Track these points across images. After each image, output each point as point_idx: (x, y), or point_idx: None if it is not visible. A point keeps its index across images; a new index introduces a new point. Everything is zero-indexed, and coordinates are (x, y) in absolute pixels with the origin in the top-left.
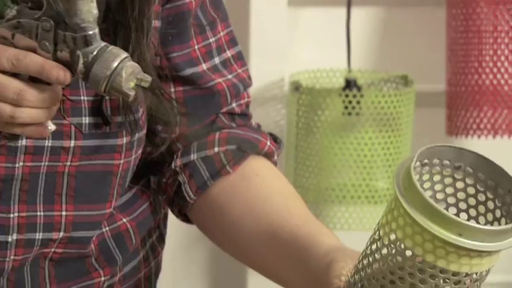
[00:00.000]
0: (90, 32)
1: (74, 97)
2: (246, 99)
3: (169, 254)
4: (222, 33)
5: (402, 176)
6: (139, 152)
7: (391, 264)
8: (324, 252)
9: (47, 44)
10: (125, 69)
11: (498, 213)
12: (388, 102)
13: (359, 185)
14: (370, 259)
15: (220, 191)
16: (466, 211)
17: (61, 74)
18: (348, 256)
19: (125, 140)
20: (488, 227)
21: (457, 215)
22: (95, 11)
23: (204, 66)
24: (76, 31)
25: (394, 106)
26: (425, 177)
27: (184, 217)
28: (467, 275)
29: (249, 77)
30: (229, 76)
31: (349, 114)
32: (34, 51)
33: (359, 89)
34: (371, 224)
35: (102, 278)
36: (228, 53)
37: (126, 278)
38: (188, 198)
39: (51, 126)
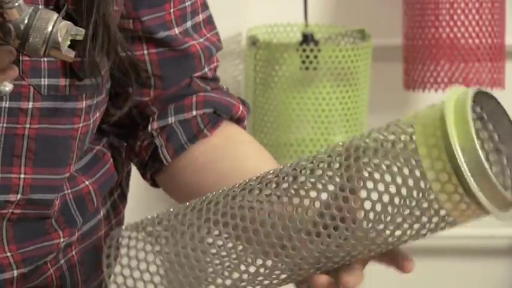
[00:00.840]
0: (16, 4)
1: (33, 58)
2: (215, 63)
3: (130, 212)
4: None
5: (455, 109)
6: (98, 115)
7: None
8: None
9: None
10: (59, 32)
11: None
12: (345, 56)
13: (317, 139)
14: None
15: (196, 155)
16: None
17: None
18: None
19: (84, 103)
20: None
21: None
22: None
23: (177, 30)
24: (2, 6)
25: (351, 60)
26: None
27: (153, 181)
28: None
29: (219, 40)
30: (201, 40)
31: (307, 69)
32: None
33: (316, 43)
34: None
35: (62, 239)
36: (200, 17)
37: (84, 237)
38: (165, 161)
39: (9, 86)
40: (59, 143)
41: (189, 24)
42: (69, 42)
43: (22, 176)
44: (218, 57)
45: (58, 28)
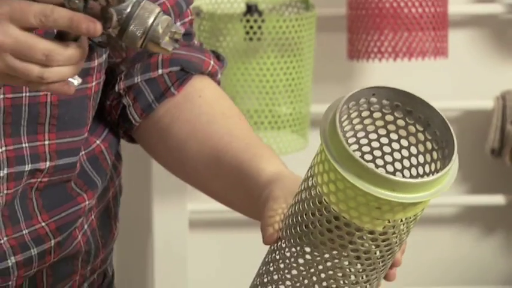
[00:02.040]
0: None
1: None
2: (189, 17)
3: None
4: None
5: (329, 123)
6: (104, 72)
7: (308, 208)
8: (263, 182)
9: (77, 1)
10: (160, 25)
11: (429, 145)
12: (289, 27)
13: (262, 110)
14: (298, 197)
15: (165, 112)
16: (398, 141)
17: (91, 26)
18: (284, 188)
19: (96, 61)
20: (410, 180)
21: (389, 144)
22: None
23: None
24: None
25: (295, 31)
26: (354, 115)
27: (130, 138)
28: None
29: None
30: None
31: (251, 39)
32: (61, 6)
33: (260, 14)
34: (274, 149)
35: (87, 202)
36: None
37: (99, 199)
38: (133, 121)
39: (78, 80)
40: (77, 105)
41: None
42: (167, 38)
43: (47, 142)
44: (191, 11)
45: (160, 21)
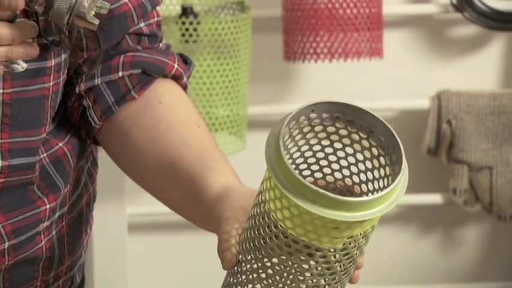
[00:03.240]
0: None
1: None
2: (155, 19)
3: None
4: None
5: (273, 150)
6: (65, 73)
7: (264, 233)
8: (212, 198)
9: None
10: (85, 0)
11: (375, 151)
12: (225, 28)
13: (199, 112)
14: (253, 222)
15: (126, 116)
16: (343, 149)
17: (13, 0)
18: (234, 206)
19: (53, 61)
20: (357, 199)
21: (335, 153)
22: None
23: None
24: None
25: (231, 32)
26: (296, 132)
27: (94, 140)
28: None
29: None
30: None
31: (187, 42)
32: None
33: (196, 16)
34: None
35: (47, 206)
36: None
37: (73, 206)
38: (93, 123)
39: (22, 65)
40: (32, 104)
41: None
42: (93, 12)
43: None
44: (159, 12)
45: None
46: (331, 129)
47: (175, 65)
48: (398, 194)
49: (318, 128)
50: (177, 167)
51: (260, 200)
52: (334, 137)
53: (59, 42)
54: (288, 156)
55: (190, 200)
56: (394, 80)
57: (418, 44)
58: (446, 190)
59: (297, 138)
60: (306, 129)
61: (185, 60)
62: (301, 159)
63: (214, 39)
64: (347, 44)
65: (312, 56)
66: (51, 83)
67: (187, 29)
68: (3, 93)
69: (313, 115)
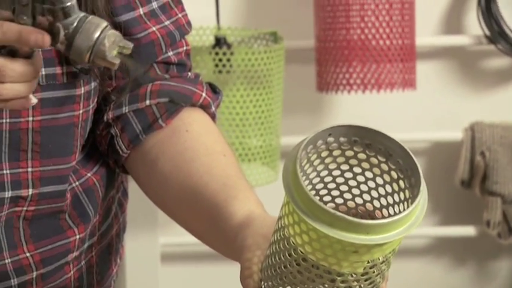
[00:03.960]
0: (69, 4)
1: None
2: (184, 48)
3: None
4: None
5: (291, 175)
6: (95, 101)
7: (284, 259)
8: (235, 226)
9: (25, 17)
10: (107, 39)
11: (394, 174)
12: (258, 59)
13: (232, 143)
14: (273, 248)
15: (153, 145)
16: (362, 173)
17: (39, 37)
18: (256, 234)
19: (82, 89)
20: (377, 221)
21: (355, 178)
22: None
23: (141, 10)
24: (54, 3)
25: (264, 63)
26: (314, 157)
27: (123, 168)
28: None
29: (188, 23)
30: (167, 22)
31: (220, 72)
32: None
33: (229, 46)
34: None
35: (77, 236)
36: None
37: (102, 236)
38: (121, 152)
39: (34, 100)
40: (62, 132)
41: (155, 4)
42: (115, 52)
43: (30, 169)
44: (188, 41)
45: (106, 35)
46: (349, 153)
47: (203, 94)
48: (417, 216)
49: (336, 153)
50: (201, 195)
51: (280, 226)
52: (353, 161)
53: (88, 70)
54: (306, 180)
55: (213, 228)
56: (427, 111)
57: (451, 76)
58: (479, 222)
59: (315, 163)
60: (324, 154)
61: (214, 90)
62: (321, 185)
63: (247, 70)
64: (380, 75)
65: (345, 87)
66: (81, 111)
67: (220, 60)
68: (33, 120)
69: (330, 139)
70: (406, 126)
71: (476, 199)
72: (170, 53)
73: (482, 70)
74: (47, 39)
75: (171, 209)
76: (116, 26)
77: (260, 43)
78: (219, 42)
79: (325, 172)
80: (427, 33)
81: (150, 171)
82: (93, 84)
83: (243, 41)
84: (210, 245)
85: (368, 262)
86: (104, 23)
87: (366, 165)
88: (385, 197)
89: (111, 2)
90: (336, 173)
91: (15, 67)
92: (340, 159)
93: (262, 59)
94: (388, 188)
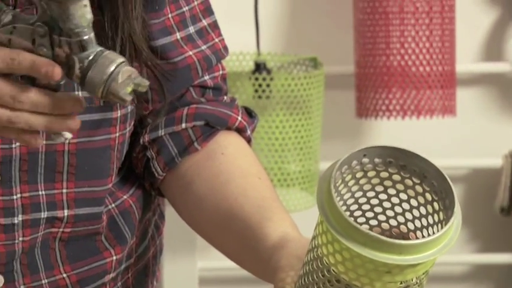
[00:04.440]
0: (85, 37)
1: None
2: (220, 72)
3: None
4: (196, 2)
5: (325, 194)
6: (132, 124)
7: (318, 279)
8: (270, 248)
9: (45, 49)
10: (121, 74)
11: (429, 196)
12: (298, 85)
13: (271, 168)
14: (307, 268)
15: (188, 167)
16: (397, 195)
17: (50, 69)
18: (289, 255)
19: (119, 112)
20: (412, 242)
21: (389, 200)
22: (89, 16)
23: (178, 35)
24: (71, 36)
25: (304, 89)
26: (348, 177)
27: (159, 191)
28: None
29: (225, 48)
30: (203, 47)
31: (260, 97)
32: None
33: (269, 72)
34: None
35: (114, 257)
36: (204, 22)
37: (139, 258)
38: (156, 174)
39: (67, 136)
40: (98, 155)
41: (192, 29)
42: (130, 89)
43: (65, 190)
44: (224, 66)
45: (121, 71)
46: (384, 174)
47: (239, 118)
48: (451, 237)
49: (371, 174)
50: (236, 216)
51: (313, 246)
52: (387, 183)
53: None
54: (340, 201)
55: (247, 249)
56: (467, 138)
57: (490, 102)
58: None
59: (350, 183)
60: (358, 175)
61: (250, 113)
62: (355, 206)
63: (287, 95)
64: (420, 101)
65: (385, 113)
66: (117, 134)
67: (260, 85)
68: (69, 143)
69: (365, 160)
70: (445, 153)
71: None
72: (206, 77)
73: None
74: (57, 71)
75: (206, 231)
76: (153, 50)
77: (300, 69)
78: (259, 67)
79: (360, 193)
80: (467, 59)
81: (185, 194)
82: (129, 108)
83: (283, 67)
84: (245, 266)
85: (401, 283)
86: (120, 59)
87: (400, 186)
88: (419, 219)
89: (148, 27)
90: (371, 194)
91: (31, 95)
92: (375, 181)
93: (302, 84)
94: (423, 210)
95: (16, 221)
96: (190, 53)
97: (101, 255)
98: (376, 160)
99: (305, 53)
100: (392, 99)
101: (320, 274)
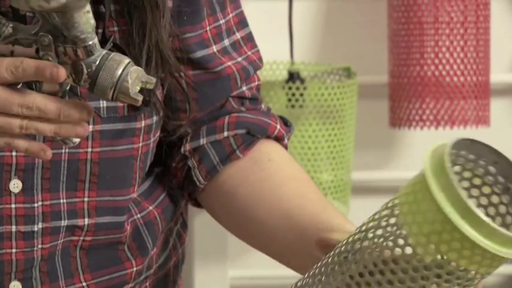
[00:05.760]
0: (90, 42)
1: None
2: (256, 82)
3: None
4: (231, 15)
5: (434, 161)
6: (158, 134)
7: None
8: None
9: (50, 58)
10: (129, 75)
11: (509, 219)
12: (331, 94)
13: None
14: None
15: (230, 175)
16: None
17: (54, 70)
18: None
19: (143, 123)
20: None
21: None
22: (92, 21)
23: (215, 48)
24: (76, 43)
25: (337, 98)
26: (456, 168)
27: (195, 201)
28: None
29: (260, 59)
30: (239, 59)
31: (293, 106)
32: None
33: (302, 81)
34: None
35: (134, 269)
36: (238, 35)
37: (160, 268)
38: (198, 183)
39: (75, 140)
40: (120, 164)
41: (226, 42)
42: (138, 88)
43: (86, 199)
44: (259, 77)
45: (128, 72)
46: (486, 189)
47: (278, 126)
48: None
49: (466, 174)
50: (297, 216)
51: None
52: (476, 181)
53: (148, 102)
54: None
55: (312, 244)
56: (500, 148)
57: None
58: None
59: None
60: (467, 173)
61: (285, 122)
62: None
63: (320, 105)
64: (453, 111)
65: (418, 123)
66: (141, 144)
67: (293, 94)
68: (92, 151)
69: (491, 168)
70: None
71: None
72: (244, 88)
73: None
74: (61, 72)
75: (254, 235)
76: (193, 62)
77: (333, 78)
78: (292, 76)
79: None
80: (502, 70)
81: (229, 201)
82: (155, 118)
83: (316, 76)
84: (301, 265)
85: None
86: (126, 60)
87: (486, 189)
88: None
89: (184, 40)
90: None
91: (37, 102)
92: (467, 174)
93: (335, 94)
94: (497, 221)
95: (36, 229)
96: (229, 63)
97: (122, 265)
98: (481, 162)
99: (338, 63)
100: (426, 109)
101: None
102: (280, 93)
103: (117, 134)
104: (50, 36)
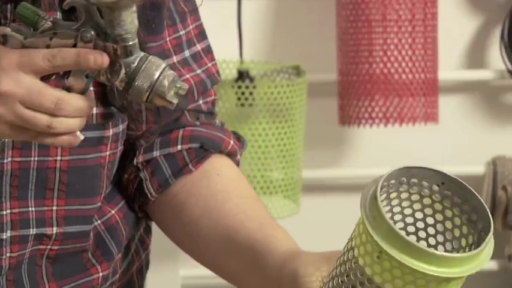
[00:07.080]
0: (131, 43)
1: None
2: (212, 97)
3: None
4: (191, 26)
5: (369, 200)
6: (122, 143)
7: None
8: (278, 262)
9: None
10: (166, 79)
11: (465, 229)
12: (280, 92)
13: (254, 176)
14: (340, 269)
15: (181, 188)
16: (434, 226)
17: (98, 57)
18: (308, 261)
19: (111, 131)
20: (453, 254)
21: (425, 229)
22: (136, 22)
23: (175, 58)
24: (118, 41)
25: (286, 97)
26: (393, 195)
27: (145, 213)
28: None
29: (218, 72)
30: (199, 71)
31: (242, 105)
32: None
33: (252, 80)
34: None
35: (100, 274)
36: (198, 46)
37: (124, 274)
38: (149, 195)
39: (81, 136)
40: (89, 173)
41: (187, 53)
42: (173, 92)
43: (55, 208)
44: (216, 91)
45: (165, 75)
46: (427, 201)
47: (231, 142)
48: (486, 255)
49: (414, 197)
50: (236, 234)
51: (349, 247)
52: (428, 211)
53: (125, 109)
54: (386, 208)
55: (249, 266)
56: (449, 145)
57: (473, 110)
58: (501, 257)
59: (393, 202)
60: (403, 196)
61: (238, 138)
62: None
63: (269, 103)
64: (402, 108)
65: (367, 121)
66: (108, 153)
67: (243, 93)
68: (61, 160)
69: (414, 180)
70: (428, 160)
71: (497, 233)
72: (200, 102)
73: (504, 105)
74: (105, 59)
75: (201, 251)
76: None
77: (283, 77)
78: (242, 75)
79: (398, 208)
80: (450, 67)
81: (178, 214)
82: (121, 127)
83: (266, 75)
84: (245, 285)
85: None
86: (164, 64)
87: (439, 217)
88: (451, 241)
89: (145, 50)
90: (408, 211)
91: (72, 101)
92: (416, 206)
93: (285, 92)
94: (449, 235)
95: (4, 237)
96: (188, 76)
97: (88, 272)
98: (423, 183)
99: (288, 61)
100: (375, 106)
101: (352, 276)
102: (230, 92)
103: (88, 142)
104: (92, 32)
